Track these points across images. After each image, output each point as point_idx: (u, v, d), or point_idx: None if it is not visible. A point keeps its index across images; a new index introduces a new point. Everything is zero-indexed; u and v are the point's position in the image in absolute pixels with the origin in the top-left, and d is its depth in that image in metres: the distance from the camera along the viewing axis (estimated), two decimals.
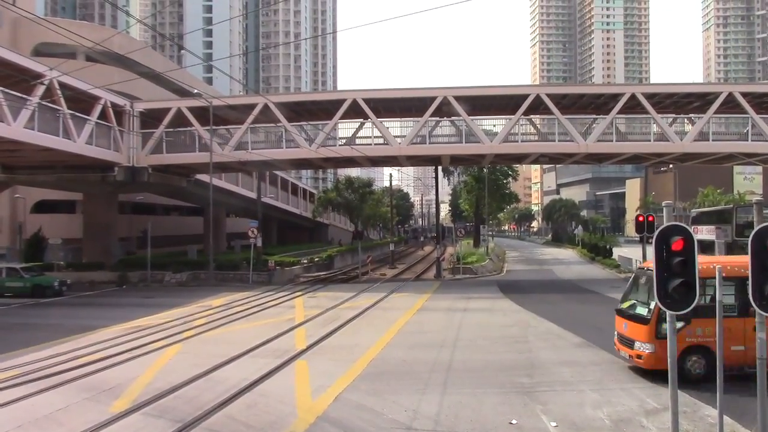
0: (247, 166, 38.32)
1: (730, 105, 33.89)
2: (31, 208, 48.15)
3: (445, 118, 36.61)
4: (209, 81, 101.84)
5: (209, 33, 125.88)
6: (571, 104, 36.76)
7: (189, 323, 21.55)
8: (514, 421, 10.30)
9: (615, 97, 34.53)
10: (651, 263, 10.74)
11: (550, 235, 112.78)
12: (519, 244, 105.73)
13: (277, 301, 28.39)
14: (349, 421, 10.43)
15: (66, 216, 48.46)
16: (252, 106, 35.03)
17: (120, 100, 35.35)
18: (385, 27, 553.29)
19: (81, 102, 31.27)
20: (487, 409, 11.07)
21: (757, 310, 7.14)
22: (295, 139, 35.30)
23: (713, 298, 12.74)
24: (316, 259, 48.95)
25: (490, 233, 77.15)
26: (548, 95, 34.13)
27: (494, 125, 37.17)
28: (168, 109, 36.05)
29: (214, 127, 35.33)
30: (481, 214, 67.94)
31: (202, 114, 35.06)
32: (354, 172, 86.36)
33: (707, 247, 33.77)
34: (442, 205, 77.38)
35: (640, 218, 34.61)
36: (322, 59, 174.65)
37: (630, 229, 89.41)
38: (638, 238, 38.02)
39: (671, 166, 74.34)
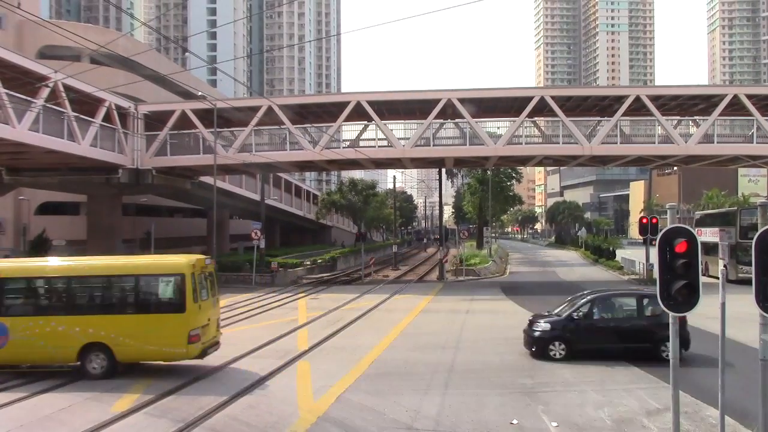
0: (251, 168, 38.37)
1: (735, 107, 33.79)
2: (36, 209, 48.26)
3: (449, 120, 36.62)
4: (213, 83, 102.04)
5: (213, 35, 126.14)
6: (575, 106, 36.71)
7: None
8: (515, 422, 10.29)
9: (619, 99, 34.47)
10: None
11: (553, 237, 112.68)
12: (522, 246, 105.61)
13: (280, 302, 28.44)
14: (350, 421, 10.44)
15: (70, 218, 48.57)
16: (256, 109, 35.07)
17: (124, 103, 35.45)
18: (389, 29, 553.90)
19: (85, 104, 31.35)
20: (489, 409, 11.07)
21: (761, 312, 7.09)
22: (299, 142, 35.34)
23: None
24: (319, 261, 48.98)
25: (494, 235, 77.11)
26: (552, 97, 34.08)
27: (498, 127, 37.16)
28: (172, 112, 36.15)
29: (218, 129, 35.40)
30: (484, 216, 67.89)
31: (206, 116, 35.13)
32: (358, 174, 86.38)
33: (711, 250, 33.75)
34: (445, 207, 77.35)
35: (644, 220, 34.56)
36: (326, 61, 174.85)
37: (633, 231, 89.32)
38: (642, 240, 37.94)
39: (675, 168, 74.34)
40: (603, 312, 15.93)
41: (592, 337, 15.37)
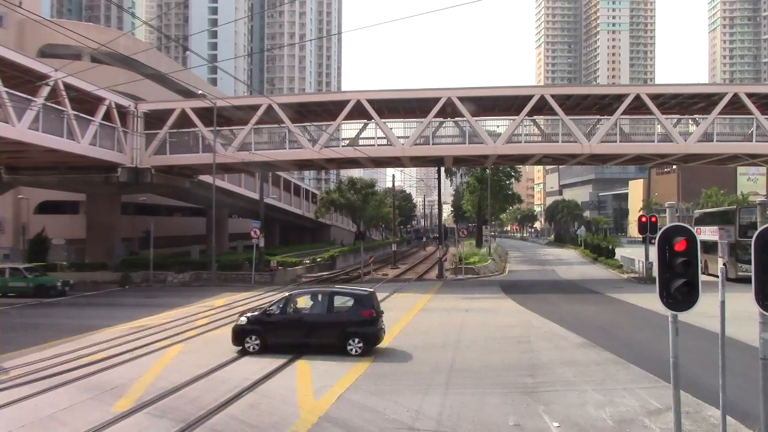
0: (250, 166, 38.37)
1: (735, 106, 33.81)
2: (35, 208, 48.26)
3: (448, 119, 36.61)
4: (214, 82, 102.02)
5: (214, 34, 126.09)
6: (575, 105, 36.71)
7: (191, 323, 21.59)
8: (516, 422, 10.28)
9: (619, 98, 34.49)
10: None
11: (552, 236, 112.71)
12: (522, 244, 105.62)
13: None
14: (351, 421, 10.42)
15: (69, 216, 48.60)
16: (256, 107, 35.08)
17: (124, 101, 35.44)
18: (389, 28, 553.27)
19: (85, 103, 31.36)
20: (490, 409, 11.05)
21: (761, 310, 7.09)
22: (299, 140, 35.33)
23: None
24: (319, 260, 48.98)
25: (493, 234, 77.13)
26: (552, 96, 34.10)
27: (498, 126, 37.15)
28: (172, 110, 36.15)
29: (218, 128, 35.39)
30: (483, 214, 67.90)
31: (206, 115, 35.14)
32: (357, 173, 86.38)
33: (710, 248, 33.74)
34: (444, 206, 77.35)
35: (643, 219, 34.57)
36: (326, 60, 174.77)
37: (633, 229, 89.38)
38: (641, 239, 37.95)
39: (675, 166, 74.33)
40: (297, 308, 16.56)
41: (285, 332, 16.04)
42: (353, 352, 15.42)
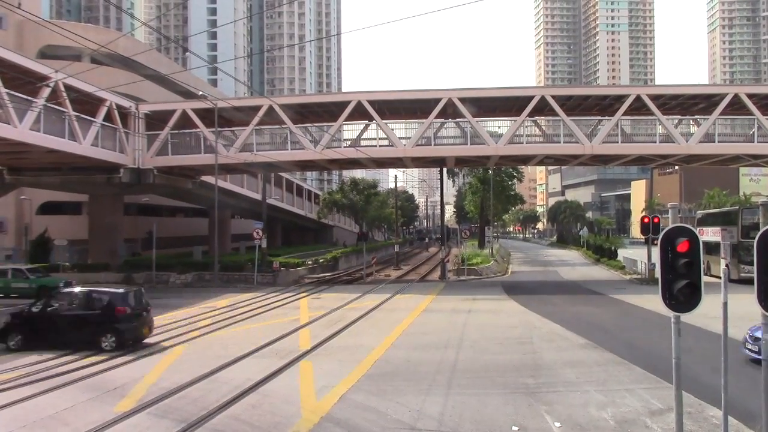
0: (252, 167, 38.38)
1: (736, 106, 33.78)
2: (37, 209, 48.32)
3: (449, 119, 36.62)
4: (214, 83, 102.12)
5: (214, 35, 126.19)
6: (576, 106, 36.70)
7: (194, 324, 21.59)
8: (517, 423, 10.27)
9: (620, 99, 34.47)
10: None
11: (555, 237, 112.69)
12: (524, 245, 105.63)
13: (281, 301, 28.43)
14: (353, 422, 10.43)
15: (71, 217, 48.67)
16: (257, 108, 35.10)
17: (125, 102, 35.47)
18: (389, 28, 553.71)
19: (86, 104, 31.40)
20: (491, 409, 11.05)
21: (762, 311, 7.09)
22: (300, 141, 35.35)
23: None
24: (321, 261, 48.96)
25: (495, 235, 77.15)
26: (553, 97, 34.09)
27: (499, 127, 37.16)
28: (173, 111, 36.17)
29: (219, 129, 35.42)
30: (486, 215, 67.91)
31: (207, 116, 35.17)
32: (359, 173, 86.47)
33: (713, 249, 33.74)
34: (447, 207, 77.42)
35: (645, 219, 34.55)
36: (326, 61, 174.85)
37: (635, 230, 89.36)
38: (643, 240, 37.94)
39: (677, 167, 74.28)
40: (58, 306, 17.31)
41: (45, 329, 16.88)
42: (107, 347, 16.32)
